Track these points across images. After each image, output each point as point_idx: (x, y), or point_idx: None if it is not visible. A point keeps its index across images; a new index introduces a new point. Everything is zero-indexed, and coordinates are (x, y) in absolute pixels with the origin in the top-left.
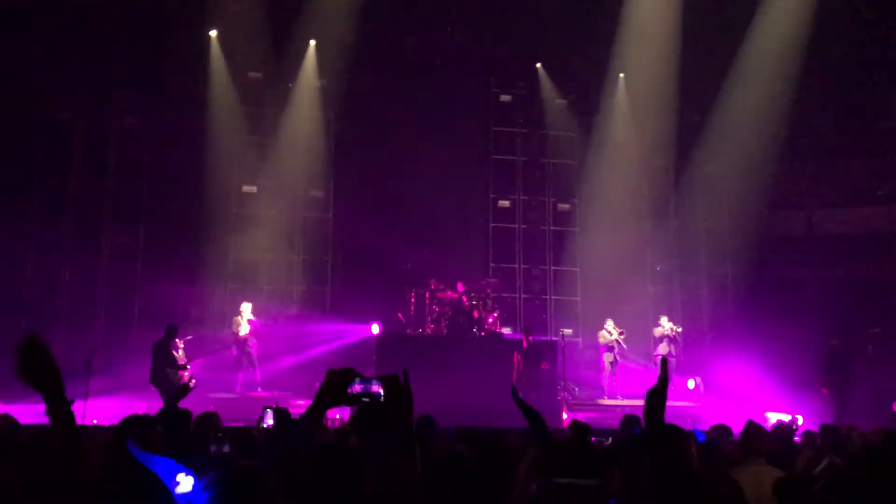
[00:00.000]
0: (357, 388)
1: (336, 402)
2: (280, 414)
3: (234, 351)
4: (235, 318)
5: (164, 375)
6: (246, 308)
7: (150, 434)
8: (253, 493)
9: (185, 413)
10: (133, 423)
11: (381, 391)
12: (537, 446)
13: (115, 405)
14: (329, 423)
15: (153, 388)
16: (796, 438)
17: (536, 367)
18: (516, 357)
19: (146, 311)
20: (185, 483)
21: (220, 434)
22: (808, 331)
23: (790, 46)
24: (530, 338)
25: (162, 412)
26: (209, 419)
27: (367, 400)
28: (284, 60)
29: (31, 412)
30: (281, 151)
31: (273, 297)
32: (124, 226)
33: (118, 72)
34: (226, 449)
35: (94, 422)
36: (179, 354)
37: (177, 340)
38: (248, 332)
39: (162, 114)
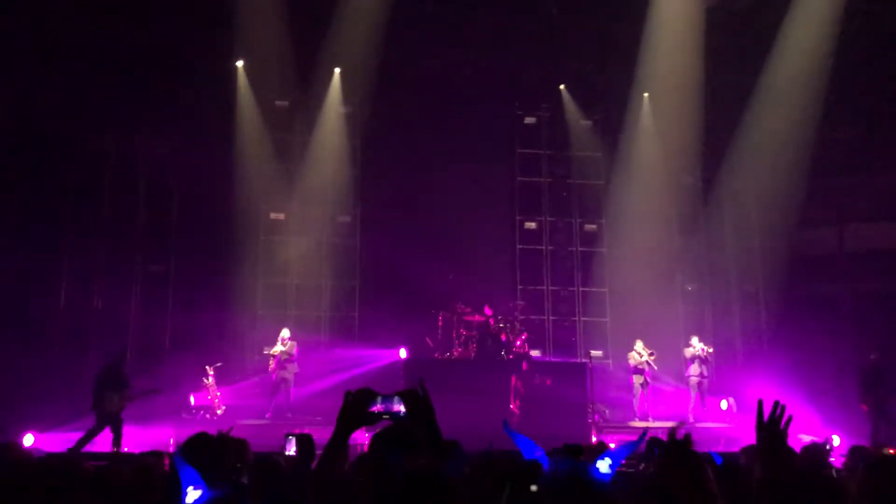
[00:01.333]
0: (378, 407)
1: (357, 424)
2: (303, 441)
3: (274, 376)
4: (276, 347)
5: (102, 401)
6: (285, 335)
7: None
8: None
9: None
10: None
11: (402, 408)
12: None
13: (147, 433)
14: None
15: (185, 416)
16: (832, 460)
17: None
18: (514, 381)
19: (178, 338)
20: (192, 495)
21: (238, 465)
22: (843, 348)
23: (816, 61)
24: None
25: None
26: (236, 447)
27: (388, 418)
28: (310, 88)
29: (61, 440)
30: (308, 178)
31: (302, 322)
32: (155, 255)
33: (146, 102)
34: (244, 480)
35: (126, 449)
36: (209, 382)
37: (207, 367)
38: (285, 357)
39: (190, 143)
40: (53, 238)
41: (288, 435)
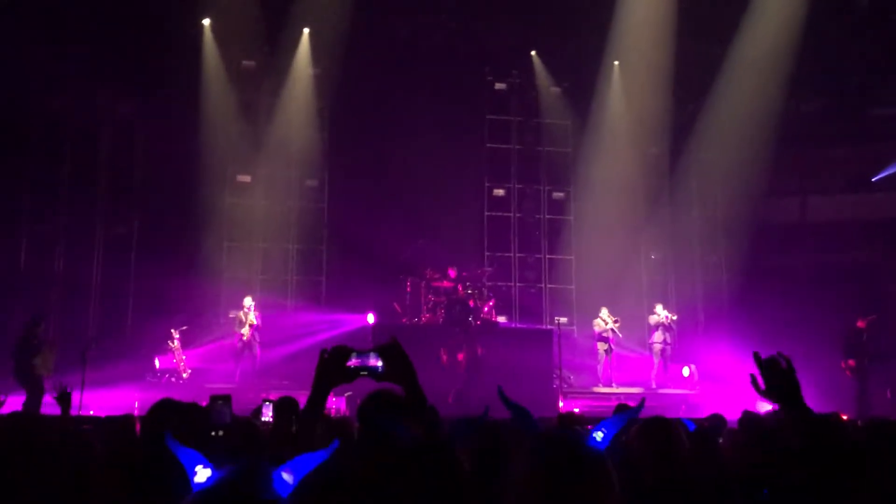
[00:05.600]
0: (354, 362)
1: (335, 381)
2: (282, 405)
3: (237, 341)
4: (238, 315)
5: (30, 368)
6: (248, 303)
7: (182, 422)
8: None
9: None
10: (167, 410)
11: (379, 363)
12: (528, 439)
13: (110, 396)
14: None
15: (149, 379)
16: None
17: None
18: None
19: (141, 302)
20: (201, 474)
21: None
22: (803, 318)
23: (784, 34)
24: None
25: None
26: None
27: (366, 374)
28: (278, 49)
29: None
30: (275, 141)
31: (268, 286)
32: (118, 217)
33: (110, 62)
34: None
35: (91, 412)
36: (174, 345)
37: (172, 331)
38: (249, 334)
39: (155, 104)
40: (12, 201)
41: (265, 400)
